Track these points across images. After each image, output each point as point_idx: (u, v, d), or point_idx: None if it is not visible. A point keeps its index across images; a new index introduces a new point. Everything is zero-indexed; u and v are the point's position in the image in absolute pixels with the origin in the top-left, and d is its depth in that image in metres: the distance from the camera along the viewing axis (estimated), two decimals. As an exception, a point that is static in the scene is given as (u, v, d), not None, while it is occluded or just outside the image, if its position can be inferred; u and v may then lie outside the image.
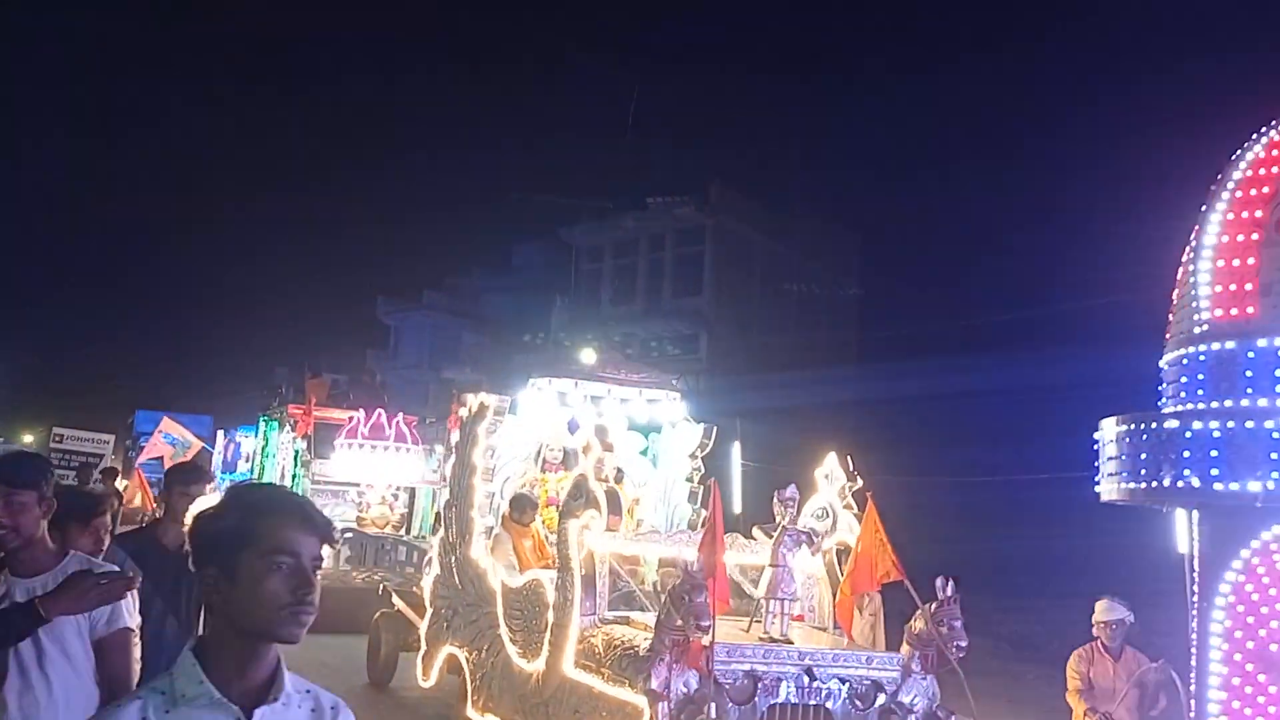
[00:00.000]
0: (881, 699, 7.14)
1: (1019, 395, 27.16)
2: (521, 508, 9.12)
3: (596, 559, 7.63)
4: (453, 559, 9.53)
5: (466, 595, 9.21)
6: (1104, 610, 7.64)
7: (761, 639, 7.25)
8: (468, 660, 9.00)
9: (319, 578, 2.35)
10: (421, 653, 9.89)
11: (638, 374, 9.40)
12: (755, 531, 7.45)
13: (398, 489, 18.59)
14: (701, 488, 10.09)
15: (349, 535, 17.35)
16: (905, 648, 7.33)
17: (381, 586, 13.40)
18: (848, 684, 7.06)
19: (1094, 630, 7.68)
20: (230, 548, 2.29)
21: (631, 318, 38.47)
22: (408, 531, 18.21)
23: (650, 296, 38.69)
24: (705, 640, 6.58)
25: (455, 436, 9.83)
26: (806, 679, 6.96)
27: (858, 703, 7.10)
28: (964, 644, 7.06)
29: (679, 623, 6.64)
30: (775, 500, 7.54)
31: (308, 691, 2.45)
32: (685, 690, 6.67)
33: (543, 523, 9.46)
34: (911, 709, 7.16)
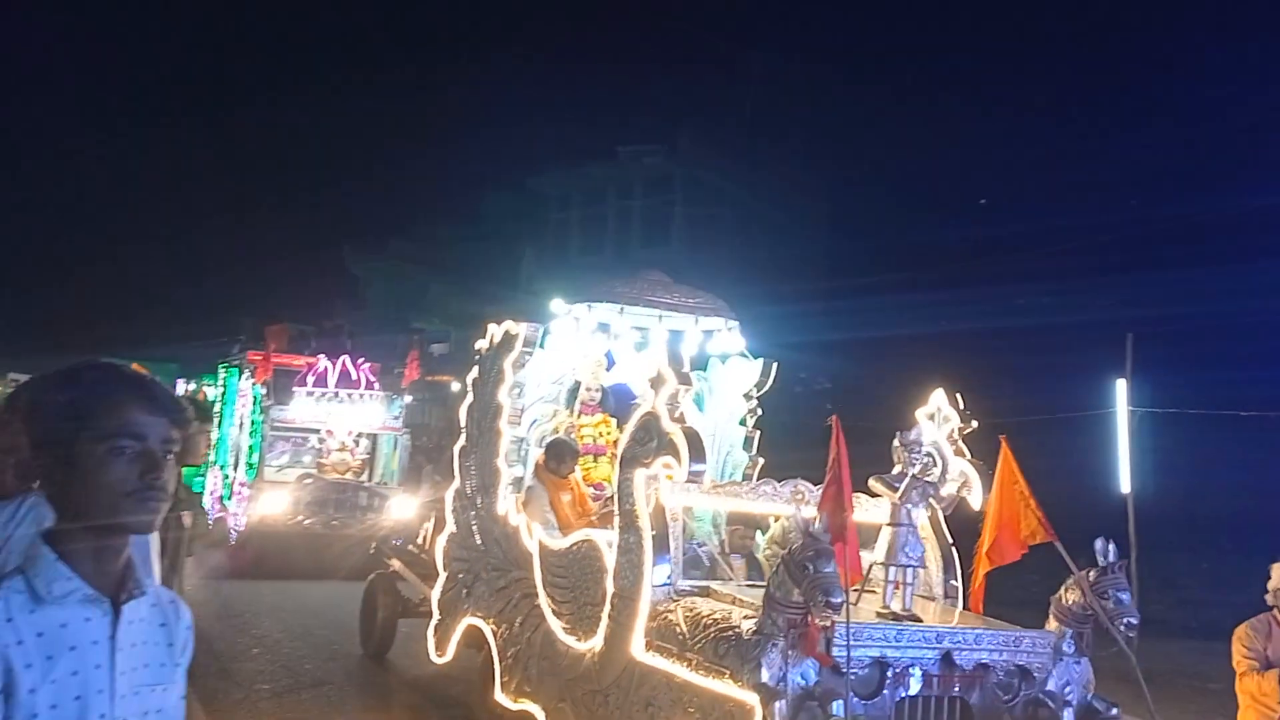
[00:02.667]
0: (1028, 688, 5.59)
1: (1004, 334, 26.17)
2: (560, 456, 7.46)
3: (668, 516, 6.00)
4: (472, 515, 7.86)
5: (491, 558, 7.55)
6: None
7: (882, 615, 5.66)
8: (494, 635, 7.36)
9: (171, 462, 2.08)
10: (434, 623, 8.22)
11: (692, 299, 7.73)
12: (872, 483, 5.87)
13: (359, 435, 17.45)
14: (756, 433, 8.48)
15: (309, 481, 16.39)
16: (1053, 624, 5.78)
17: (374, 545, 11.72)
18: (990, 670, 5.50)
19: (1271, 598, 6.12)
20: (64, 432, 2.01)
21: (600, 267, 36.61)
22: (369, 478, 17.33)
23: (619, 246, 37.04)
24: (833, 620, 5.00)
25: (473, 372, 8.13)
26: (943, 665, 5.39)
27: (1000, 693, 5.55)
28: (1135, 620, 5.54)
29: (797, 598, 5.04)
30: (896, 444, 5.94)
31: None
32: (803, 684, 5.08)
33: (581, 474, 7.81)
34: (1065, 699, 5.61)
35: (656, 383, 6.06)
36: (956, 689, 5.43)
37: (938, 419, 6.53)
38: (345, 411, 17.29)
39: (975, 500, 6.31)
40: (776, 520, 7.35)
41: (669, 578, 5.90)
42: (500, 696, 7.14)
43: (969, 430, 6.50)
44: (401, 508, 15.99)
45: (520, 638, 7.04)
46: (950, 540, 6.63)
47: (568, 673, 6.47)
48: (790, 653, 5.05)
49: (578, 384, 8.25)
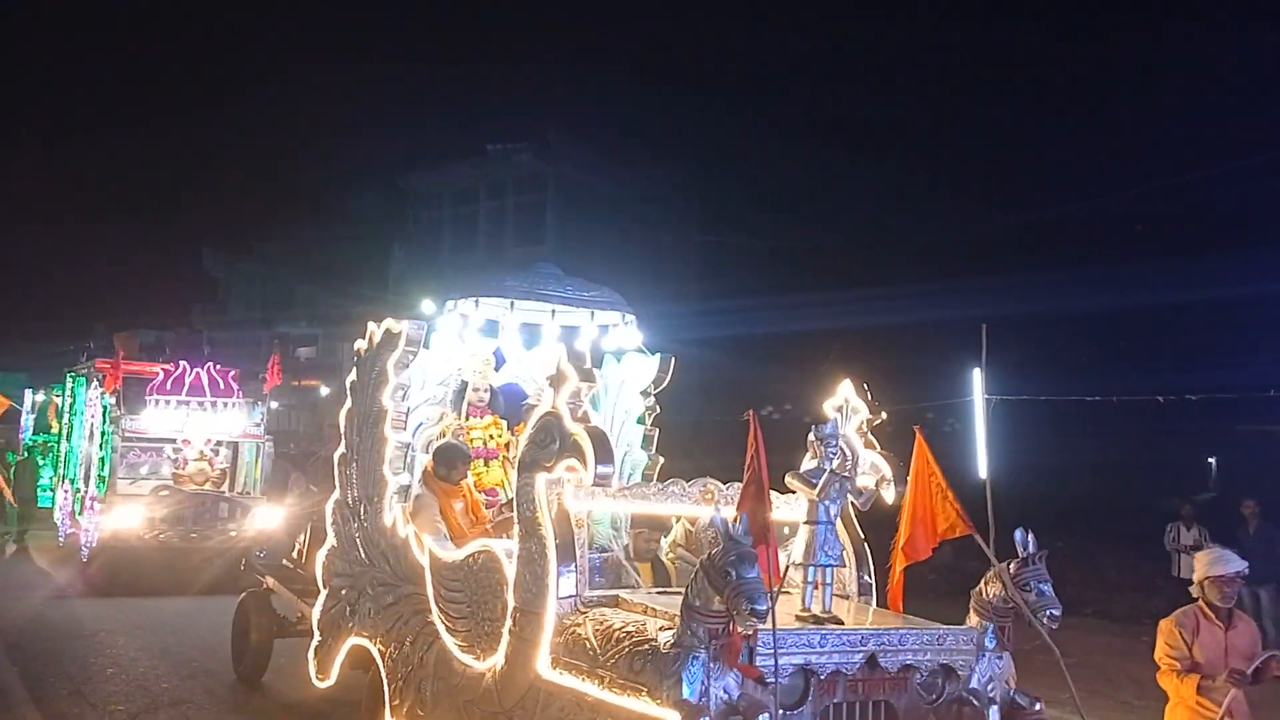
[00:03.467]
0: (952, 687, 5.36)
1: (876, 330, 26.69)
2: (450, 461, 6.98)
3: (573, 522, 5.62)
4: (355, 527, 7.35)
5: (378, 573, 7.05)
6: (1213, 562, 5.89)
7: (801, 618, 5.38)
8: (383, 655, 6.86)
9: None
10: (315, 644, 7.68)
11: (587, 292, 7.34)
12: (789, 479, 5.59)
13: (217, 443, 16.86)
14: (655, 431, 8.16)
15: (165, 493, 15.73)
16: (974, 619, 5.58)
17: (244, 560, 11.07)
18: (915, 670, 5.26)
19: (1196, 590, 5.97)
20: None
21: (473, 266, 36.17)
22: (230, 488, 16.75)
23: (491, 245, 36.52)
24: (755, 629, 4.68)
25: (352, 375, 7.61)
26: (867, 669, 5.13)
27: (924, 694, 5.31)
28: (1057, 612, 5.36)
29: (718, 607, 4.72)
30: (811, 438, 5.66)
31: None
32: (726, 698, 4.75)
33: (473, 479, 7.36)
34: (989, 697, 5.41)
35: (557, 380, 5.67)
36: (881, 693, 5.17)
37: (846, 411, 6.30)
38: (202, 419, 16.64)
39: (888, 494, 6.08)
40: (678, 521, 7.05)
41: (575, 588, 5.52)
42: (391, 721, 6.66)
43: (878, 422, 6.28)
44: (266, 518, 15.64)
45: (412, 658, 6.56)
46: (862, 535, 6.40)
47: (465, 694, 6.03)
48: (712, 665, 4.72)
49: (464, 384, 7.79)
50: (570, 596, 5.49)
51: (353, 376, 7.60)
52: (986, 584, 5.53)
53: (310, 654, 7.69)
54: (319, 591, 7.77)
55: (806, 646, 4.96)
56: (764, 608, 4.56)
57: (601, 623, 5.27)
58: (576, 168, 35.21)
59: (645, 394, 8.05)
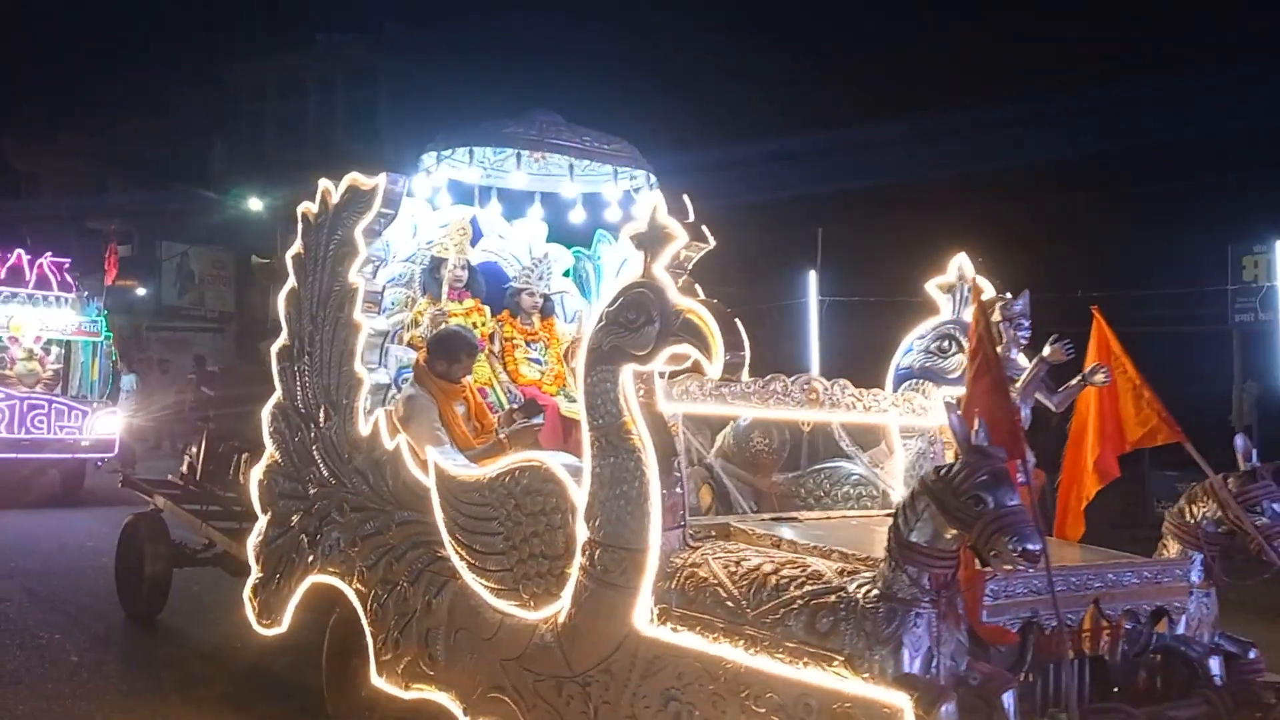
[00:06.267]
0: (1160, 634, 4.07)
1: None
2: (452, 354, 5.20)
3: (669, 428, 4.04)
4: (311, 437, 5.52)
5: (350, 495, 5.27)
6: None
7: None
8: (363, 598, 5.14)
9: None
10: (254, 581, 5.85)
11: (606, 145, 5.64)
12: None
13: (48, 342, 14.88)
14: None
15: None
16: (1173, 546, 4.29)
17: (122, 476, 9.02)
18: (1128, 615, 3.95)
19: None
20: None
21: (301, 163, 33.14)
22: (64, 390, 14.76)
23: (321, 141, 33.55)
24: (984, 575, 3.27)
25: (297, 246, 5.72)
26: (1088, 618, 3.78)
27: (1131, 644, 4.01)
28: None
29: (950, 543, 3.26)
30: (997, 317, 4.23)
31: None
32: (953, 667, 3.31)
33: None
34: (1203, 645, 4.12)
35: (651, 240, 4.01)
36: (1094, 646, 3.84)
37: (959, 293, 4.89)
38: (29, 314, 14.56)
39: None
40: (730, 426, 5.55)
41: (684, 517, 3.96)
42: (379, 680, 4.98)
43: (1006, 304, 4.89)
44: (105, 424, 14.09)
45: (413, 602, 4.86)
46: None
47: (506, 650, 4.41)
48: (940, 626, 3.27)
49: (436, 262, 6.03)
50: (679, 527, 3.93)
51: (298, 248, 5.72)
52: (1192, 504, 4.24)
53: (248, 593, 5.86)
54: (259, 516, 5.94)
55: (1034, 594, 3.56)
56: (1037, 547, 3.13)
57: (737, 563, 3.73)
58: (413, 62, 32.58)
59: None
